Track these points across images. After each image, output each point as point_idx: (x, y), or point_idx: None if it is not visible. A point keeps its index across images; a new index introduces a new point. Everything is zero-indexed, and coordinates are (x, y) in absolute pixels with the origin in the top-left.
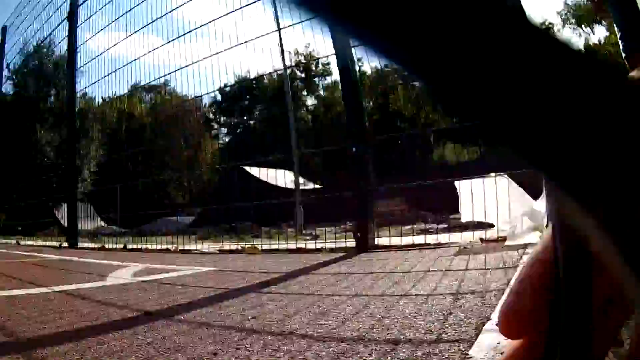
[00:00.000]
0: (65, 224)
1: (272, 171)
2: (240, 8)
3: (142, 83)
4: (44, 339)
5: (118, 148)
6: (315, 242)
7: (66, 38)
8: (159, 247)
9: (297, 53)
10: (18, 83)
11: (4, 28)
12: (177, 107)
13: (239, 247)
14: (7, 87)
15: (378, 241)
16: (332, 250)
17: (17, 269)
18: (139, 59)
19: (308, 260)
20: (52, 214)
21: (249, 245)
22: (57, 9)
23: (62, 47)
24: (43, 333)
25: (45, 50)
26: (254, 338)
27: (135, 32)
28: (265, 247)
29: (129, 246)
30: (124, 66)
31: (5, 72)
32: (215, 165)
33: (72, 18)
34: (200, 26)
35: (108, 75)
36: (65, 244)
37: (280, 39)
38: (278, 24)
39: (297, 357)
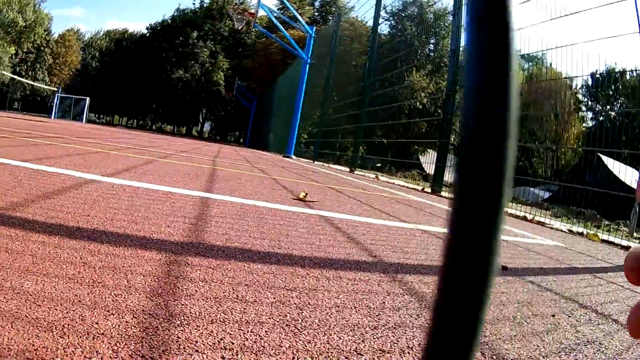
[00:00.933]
0: (430, 172)
1: (622, 166)
2: None
3: (522, 52)
4: (407, 268)
5: None
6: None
7: None
8: (517, 212)
9: None
10: (395, 26)
11: None
12: (551, 82)
13: (585, 232)
14: (383, 27)
15: None
16: None
17: (378, 202)
18: (522, 28)
19: None
20: (415, 158)
21: (592, 233)
22: None
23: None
24: (407, 262)
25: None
26: (582, 312)
27: (523, 2)
28: (604, 237)
29: None
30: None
31: (383, 14)
32: (577, 147)
33: None
34: (586, 9)
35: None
36: (427, 189)
37: None
38: None
39: None
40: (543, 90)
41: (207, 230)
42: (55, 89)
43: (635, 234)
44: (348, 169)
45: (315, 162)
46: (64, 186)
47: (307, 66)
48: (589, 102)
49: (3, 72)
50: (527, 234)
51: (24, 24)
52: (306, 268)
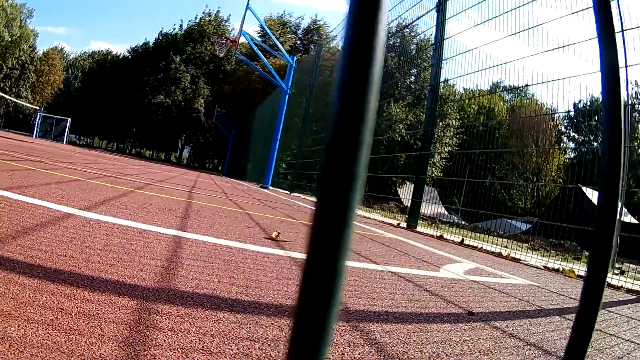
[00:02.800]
0: (407, 204)
1: None
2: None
3: (504, 83)
4: (371, 315)
5: (470, 140)
6: (619, 278)
7: (434, 28)
8: (492, 248)
9: None
10: None
11: None
12: (533, 114)
13: (561, 268)
14: None
15: None
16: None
17: (354, 241)
18: (506, 63)
19: (611, 294)
20: (393, 190)
21: (568, 269)
22: None
23: (425, 31)
24: (372, 309)
25: (407, 30)
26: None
27: (507, 36)
28: (582, 273)
29: (466, 241)
30: (488, 68)
31: None
32: (557, 179)
33: (441, 10)
34: (569, 45)
35: (471, 73)
36: (403, 224)
37: None
38: None
39: None
40: (525, 122)
41: (178, 274)
42: (38, 108)
43: (616, 264)
44: None
45: (292, 194)
46: (43, 220)
47: (287, 96)
48: (571, 133)
49: None
50: (501, 272)
51: (9, 39)
52: (271, 317)
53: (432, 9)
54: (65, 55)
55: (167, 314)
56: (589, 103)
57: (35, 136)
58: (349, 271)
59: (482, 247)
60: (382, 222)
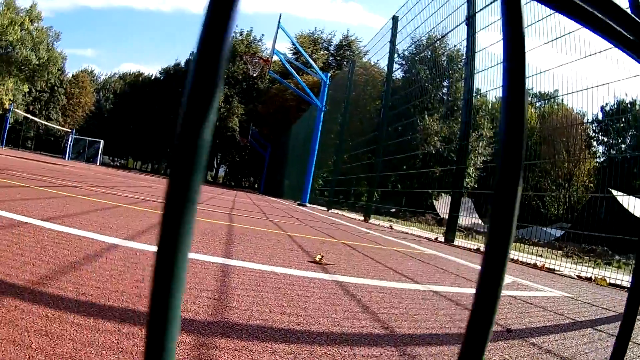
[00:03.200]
0: (444, 216)
1: (636, 200)
2: None
3: (535, 90)
4: (416, 338)
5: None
6: None
7: (464, 40)
8: (527, 259)
9: None
10: (408, 69)
11: (395, 18)
12: (563, 120)
13: (592, 277)
14: (397, 73)
15: None
16: None
17: (392, 259)
18: (539, 73)
19: None
20: (429, 202)
21: (600, 277)
22: (454, 11)
23: (456, 42)
24: (417, 332)
25: (438, 43)
26: None
27: (539, 46)
28: (612, 280)
29: None
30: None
31: (397, 57)
32: (588, 184)
33: (470, 23)
34: (601, 51)
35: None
36: (441, 238)
37: None
38: None
39: None
40: (555, 128)
41: (230, 306)
42: (69, 130)
43: None
44: (362, 218)
45: (330, 211)
46: (89, 253)
47: (322, 114)
48: (600, 137)
49: (17, 110)
50: (536, 285)
51: (37, 62)
52: (324, 346)
53: (461, 23)
54: (95, 77)
55: (225, 348)
56: (615, 105)
57: (68, 158)
58: (394, 293)
59: (517, 259)
60: (421, 236)
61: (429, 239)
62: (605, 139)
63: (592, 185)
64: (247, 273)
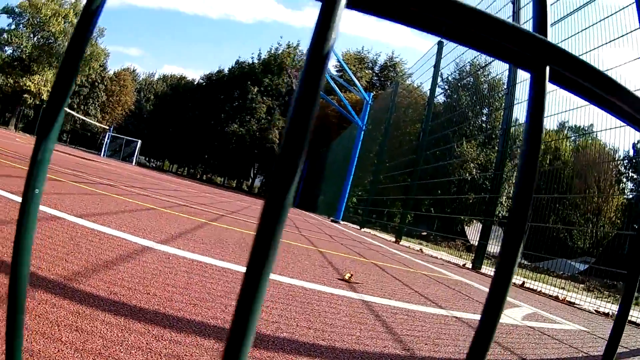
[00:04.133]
0: (473, 242)
1: None
2: None
3: (570, 123)
4: None
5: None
6: None
7: (506, 70)
8: (550, 291)
9: None
10: (450, 94)
11: (440, 43)
12: (596, 155)
13: (610, 313)
14: (439, 98)
15: None
16: None
17: (419, 282)
18: (576, 108)
19: None
20: (460, 228)
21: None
22: None
23: (498, 72)
24: (437, 355)
25: (480, 70)
26: None
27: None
28: (629, 317)
29: (527, 284)
30: (556, 114)
31: (440, 83)
32: (616, 220)
33: None
34: None
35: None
36: (468, 264)
37: None
38: None
39: None
40: (587, 163)
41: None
42: (107, 127)
43: None
44: (394, 239)
45: (362, 229)
46: (122, 254)
47: (362, 133)
48: (630, 173)
49: None
50: (555, 317)
51: None
52: None
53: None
54: (136, 76)
55: (251, 357)
56: None
57: (104, 155)
58: (417, 316)
59: (541, 291)
60: (449, 262)
61: (457, 264)
62: (635, 176)
63: (619, 221)
64: (278, 286)
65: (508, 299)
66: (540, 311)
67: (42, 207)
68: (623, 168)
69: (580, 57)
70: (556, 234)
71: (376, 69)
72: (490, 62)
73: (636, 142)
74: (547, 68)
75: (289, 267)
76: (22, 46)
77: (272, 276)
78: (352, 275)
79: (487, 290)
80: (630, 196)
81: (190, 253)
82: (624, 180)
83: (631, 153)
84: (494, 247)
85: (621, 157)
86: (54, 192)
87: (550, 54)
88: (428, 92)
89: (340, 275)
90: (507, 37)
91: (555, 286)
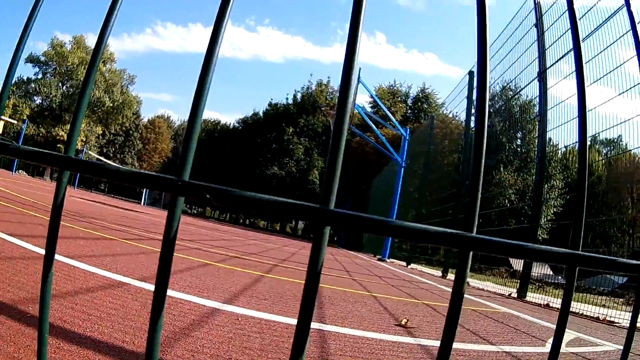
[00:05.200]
0: (518, 268)
1: None
2: None
3: (599, 136)
4: None
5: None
6: None
7: (537, 97)
8: (590, 311)
9: None
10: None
11: (471, 73)
12: (629, 164)
13: None
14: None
15: None
16: None
17: (469, 319)
18: (594, 109)
19: None
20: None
21: None
22: (528, 65)
23: (529, 95)
24: None
25: (511, 93)
26: None
27: (612, 98)
28: None
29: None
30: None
31: (473, 111)
32: None
33: (543, 79)
34: None
35: (567, 122)
36: (514, 294)
37: None
38: None
39: None
40: (620, 175)
41: None
42: None
43: None
44: (440, 273)
45: (409, 266)
46: (194, 318)
47: (402, 169)
48: None
49: (89, 151)
50: (597, 340)
51: (111, 105)
52: None
53: (534, 79)
54: (171, 123)
55: None
56: None
57: (144, 204)
58: (472, 355)
59: (582, 313)
60: (495, 292)
61: (502, 294)
62: None
63: None
64: (342, 338)
65: (553, 326)
66: (582, 335)
67: (103, 272)
68: None
69: None
70: (595, 250)
71: (409, 101)
72: (519, 91)
73: None
74: None
75: (349, 317)
76: (51, 95)
77: (336, 328)
78: (407, 320)
79: (533, 320)
80: None
81: (256, 312)
82: None
83: None
84: (536, 269)
85: None
86: (109, 253)
87: None
88: (463, 122)
89: (397, 321)
90: None
91: (596, 304)
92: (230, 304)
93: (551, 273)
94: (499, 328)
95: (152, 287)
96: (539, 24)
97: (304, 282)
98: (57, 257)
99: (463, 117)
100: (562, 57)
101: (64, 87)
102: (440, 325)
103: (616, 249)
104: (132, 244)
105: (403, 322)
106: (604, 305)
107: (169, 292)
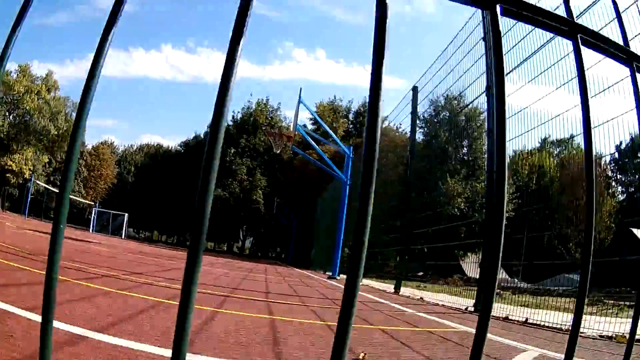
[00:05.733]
0: (472, 275)
1: None
2: None
3: (551, 137)
4: None
5: (525, 203)
6: None
7: (483, 104)
8: (554, 322)
9: None
10: (428, 132)
11: (415, 88)
12: (581, 164)
13: (613, 336)
14: (418, 136)
15: None
16: None
17: (429, 344)
18: (557, 116)
19: None
20: (456, 262)
21: (620, 335)
22: (475, 80)
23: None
24: None
25: (455, 103)
26: None
27: (551, 92)
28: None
29: (531, 318)
30: (538, 125)
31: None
32: (610, 224)
33: (491, 94)
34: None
35: (522, 134)
36: (471, 307)
37: None
38: None
39: None
40: (574, 174)
41: None
42: (92, 203)
43: None
44: (393, 288)
45: (361, 282)
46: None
47: (347, 187)
48: (618, 175)
49: (37, 181)
50: (561, 356)
51: (56, 133)
52: None
53: (481, 93)
54: (115, 149)
55: None
56: (630, 142)
57: (92, 230)
58: None
59: (545, 325)
60: (450, 307)
61: (458, 309)
62: (623, 178)
63: (613, 225)
64: None
65: (515, 344)
66: (546, 351)
67: (70, 328)
68: (610, 172)
69: None
70: (552, 250)
71: (351, 116)
72: (466, 106)
73: (618, 143)
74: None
75: (309, 354)
76: None
77: None
78: (365, 354)
79: (493, 337)
80: (621, 198)
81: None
82: (613, 183)
83: (616, 155)
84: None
85: (607, 162)
86: (66, 299)
87: None
88: (407, 134)
89: (355, 355)
90: None
91: (558, 309)
92: (194, 355)
93: (507, 277)
94: (459, 351)
95: (125, 343)
96: (487, 38)
97: (258, 316)
98: None
99: (407, 127)
100: (511, 71)
101: (11, 117)
102: (398, 355)
103: (573, 248)
104: (92, 286)
105: (361, 357)
106: (566, 309)
107: (154, 350)
